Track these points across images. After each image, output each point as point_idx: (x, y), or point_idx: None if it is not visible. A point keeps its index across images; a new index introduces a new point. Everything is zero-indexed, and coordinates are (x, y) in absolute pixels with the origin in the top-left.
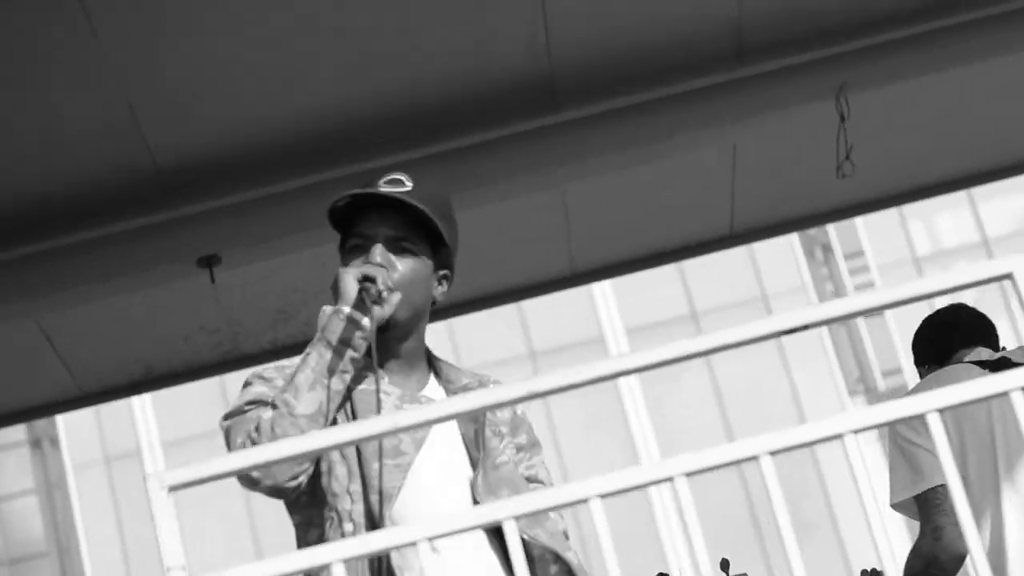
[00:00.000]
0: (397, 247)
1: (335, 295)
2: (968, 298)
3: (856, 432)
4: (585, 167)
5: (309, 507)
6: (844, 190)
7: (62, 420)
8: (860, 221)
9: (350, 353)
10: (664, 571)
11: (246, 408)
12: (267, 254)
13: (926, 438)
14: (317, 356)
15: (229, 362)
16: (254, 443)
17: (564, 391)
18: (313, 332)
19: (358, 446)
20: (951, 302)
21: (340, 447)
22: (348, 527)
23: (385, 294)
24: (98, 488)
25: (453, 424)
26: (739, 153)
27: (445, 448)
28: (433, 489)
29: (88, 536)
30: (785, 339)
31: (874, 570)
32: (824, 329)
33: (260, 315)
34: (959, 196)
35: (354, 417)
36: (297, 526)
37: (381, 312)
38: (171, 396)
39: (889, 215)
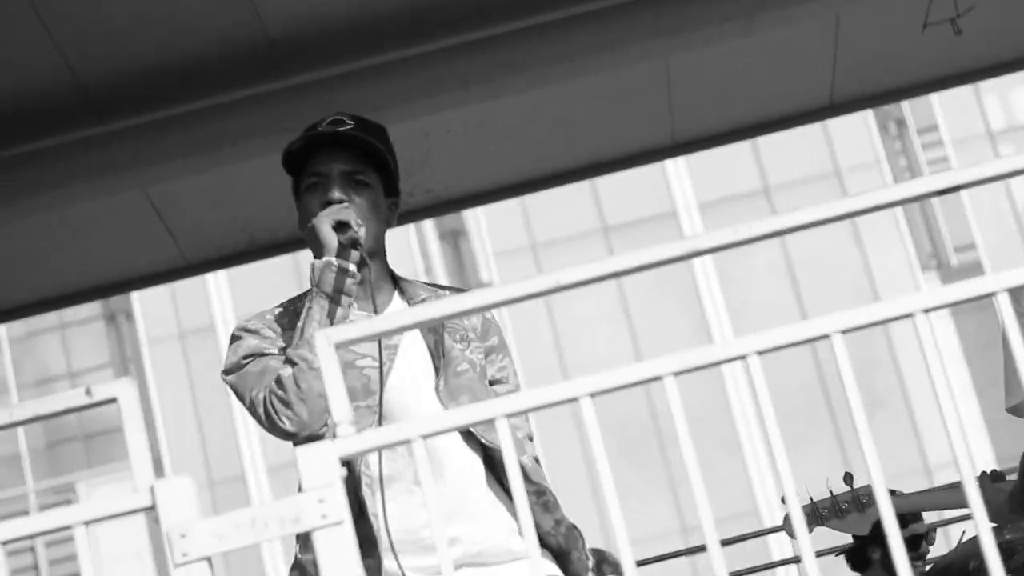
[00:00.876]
0: (352, 181)
1: (313, 245)
2: None
3: (927, 311)
4: (687, 39)
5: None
6: (942, 60)
7: (137, 295)
8: (935, 96)
9: (346, 299)
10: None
11: (244, 362)
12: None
13: None
14: (319, 309)
15: None
16: (280, 399)
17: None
18: (412, 203)
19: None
20: None
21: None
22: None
23: (361, 234)
24: (172, 363)
25: (417, 335)
26: (842, 25)
27: (412, 359)
28: (407, 393)
29: (163, 410)
30: (859, 218)
31: (994, 471)
32: (898, 209)
33: None
34: None
35: None
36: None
37: (359, 253)
38: (245, 272)
39: (964, 90)
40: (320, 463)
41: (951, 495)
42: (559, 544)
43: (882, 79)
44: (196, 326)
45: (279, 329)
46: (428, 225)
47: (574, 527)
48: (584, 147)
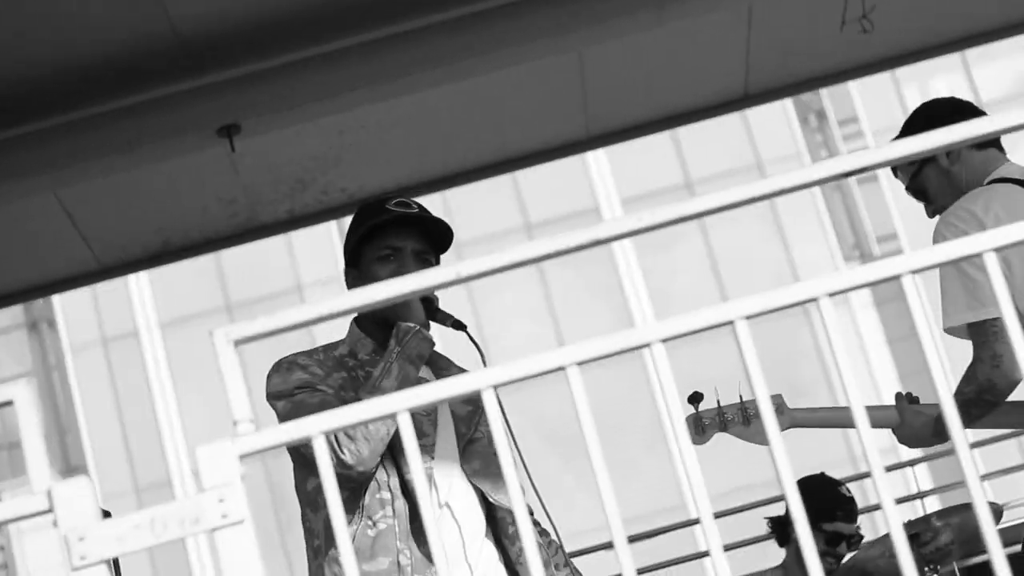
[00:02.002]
0: (420, 259)
1: (399, 310)
2: None
3: (831, 295)
4: (599, 31)
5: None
6: (855, 49)
7: (59, 302)
8: (855, 87)
9: (421, 367)
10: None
11: (296, 392)
12: (286, 122)
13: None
14: (399, 368)
15: (246, 232)
16: (346, 433)
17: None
18: (327, 202)
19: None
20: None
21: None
22: (386, 495)
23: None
24: (96, 369)
25: (446, 405)
26: (755, 14)
27: (447, 427)
28: (441, 456)
29: (88, 418)
30: (780, 206)
31: (909, 394)
32: (819, 196)
33: (278, 184)
34: (953, 60)
35: None
36: (327, 519)
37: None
38: (167, 276)
39: (883, 80)
40: (220, 462)
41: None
42: None
43: (796, 68)
44: (119, 332)
45: (326, 370)
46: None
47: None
48: (498, 141)
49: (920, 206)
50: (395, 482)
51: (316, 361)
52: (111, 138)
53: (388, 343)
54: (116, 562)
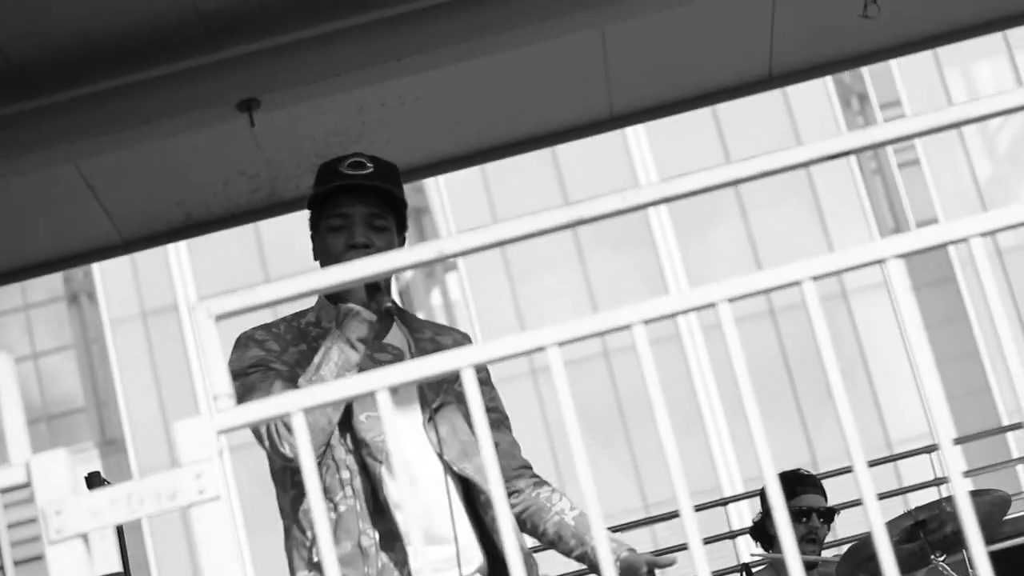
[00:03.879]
0: (372, 224)
1: (341, 292)
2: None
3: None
4: (624, 7)
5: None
6: (880, 32)
7: (99, 275)
8: (897, 70)
9: (363, 347)
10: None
11: (249, 371)
12: (306, 97)
13: None
14: (339, 352)
15: (267, 208)
16: (285, 425)
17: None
18: None
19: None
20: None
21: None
22: (345, 474)
23: (388, 300)
24: (135, 343)
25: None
26: None
27: (411, 394)
28: (404, 427)
29: (125, 390)
30: (820, 190)
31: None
32: (859, 179)
33: (299, 159)
34: (996, 43)
35: None
36: (293, 500)
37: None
38: (207, 250)
39: (926, 64)
40: (198, 438)
41: None
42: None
43: (821, 49)
44: (159, 305)
45: (283, 345)
46: None
47: (530, 555)
48: (520, 119)
49: (959, 187)
50: (352, 460)
51: (275, 335)
52: (131, 111)
53: None
54: (123, 542)
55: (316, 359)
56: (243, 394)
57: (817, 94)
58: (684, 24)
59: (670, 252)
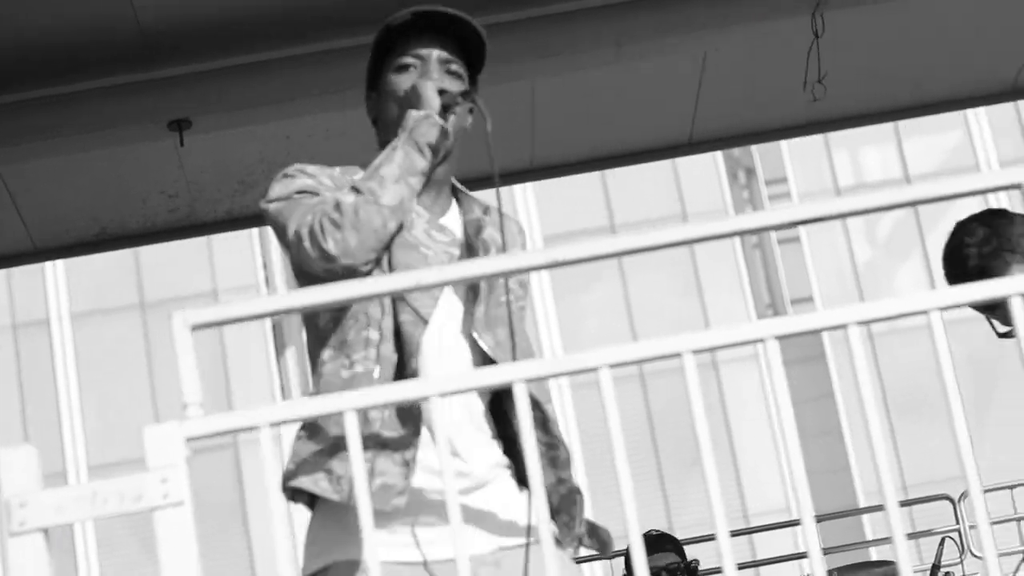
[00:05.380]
0: (446, 69)
1: (407, 104)
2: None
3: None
4: (555, 63)
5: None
6: (807, 107)
7: None
8: (785, 147)
9: (431, 159)
10: None
11: (296, 196)
12: (238, 122)
13: None
14: (404, 155)
15: (183, 228)
16: (332, 221)
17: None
18: None
19: (391, 259)
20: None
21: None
22: (374, 335)
23: (459, 108)
24: (3, 355)
25: (457, 249)
26: (709, 62)
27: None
28: (454, 305)
29: None
30: (700, 261)
31: None
32: (739, 251)
33: (222, 183)
34: (886, 130)
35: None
36: (322, 331)
37: (457, 122)
38: (84, 268)
39: (815, 145)
40: (166, 443)
41: None
42: (553, 504)
43: (741, 121)
44: (31, 319)
45: (335, 184)
46: (272, 235)
47: (578, 491)
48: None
49: (837, 268)
50: (388, 323)
51: (328, 175)
52: (63, 121)
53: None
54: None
55: (377, 160)
56: (285, 209)
57: (705, 165)
58: (611, 84)
59: (546, 310)
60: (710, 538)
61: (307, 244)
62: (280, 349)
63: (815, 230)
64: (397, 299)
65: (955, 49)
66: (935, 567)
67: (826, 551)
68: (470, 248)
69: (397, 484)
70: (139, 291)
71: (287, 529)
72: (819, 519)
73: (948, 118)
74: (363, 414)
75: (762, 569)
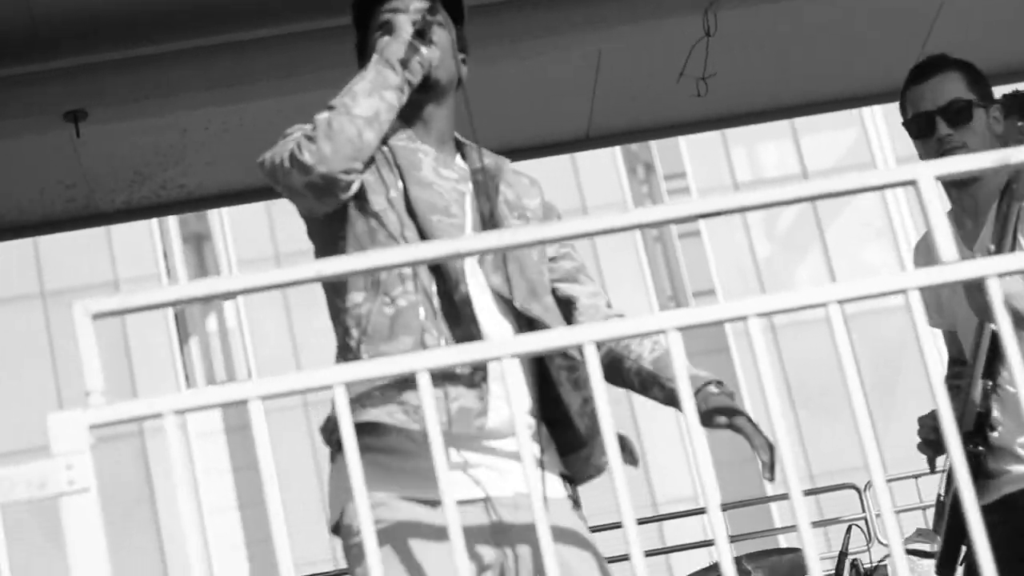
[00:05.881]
0: (428, 21)
1: (377, 43)
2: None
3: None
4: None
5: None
6: (695, 105)
7: None
8: (684, 143)
9: (407, 75)
10: None
11: (281, 139)
12: (133, 115)
13: None
14: (375, 72)
15: (81, 219)
16: (307, 136)
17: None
18: (164, 196)
19: (408, 197)
20: None
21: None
22: (407, 268)
23: (435, 39)
24: None
25: (469, 192)
26: (603, 60)
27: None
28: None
29: None
30: (601, 253)
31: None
32: (640, 246)
33: (118, 174)
34: (783, 128)
35: (398, 167)
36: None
37: (431, 54)
38: None
39: (713, 140)
40: (71, 430)
41: None
42: (585, 428)
43: (638, 117)
44: None
45: None
46: (173, 226)
47: (627, 439)
48: None
49: (737, 261)
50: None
51: None
52: None
53: (413, 121)
54: None
55: (351, 82)
56: (274, 155)
57: (604, 160)
58: (509, 80)
59: None
60: (617, 526)
61: (287, 164)
62: (184, 338)
63: (715, 225)
64: (427, 232)
65: (849, 47)
66: (842, 554)
67: (733, 538)
68: (481, 198)
69: (474, 407)
70: (39, 281)
71: (196, 518)
72: (726, 507)
73: (844, 116)
74: (422, 344)
75: (671, 556)
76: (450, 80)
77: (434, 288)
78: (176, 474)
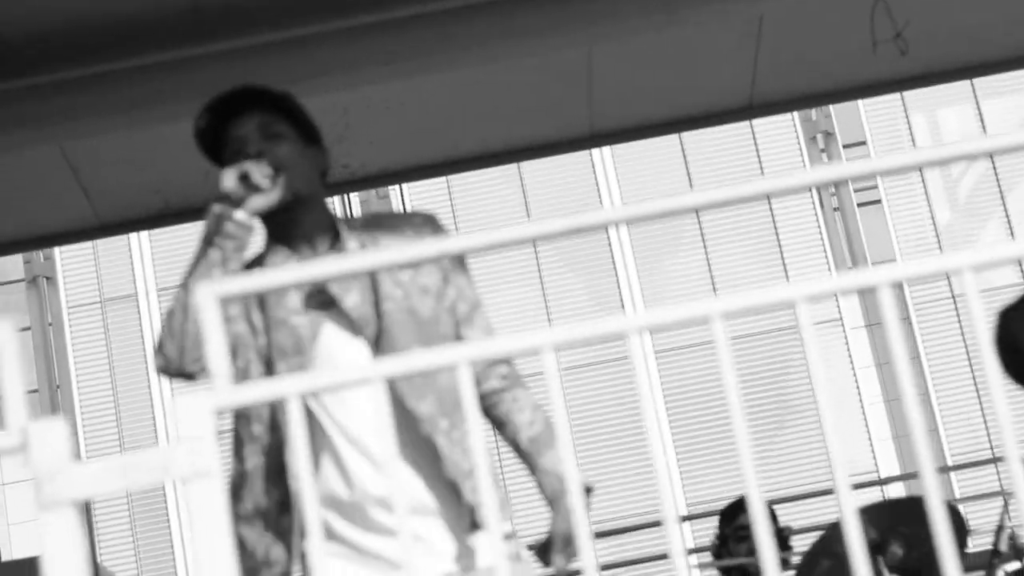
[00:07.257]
0: (267, 134)
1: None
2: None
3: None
4: (611, 29)
5: None
6: (864, 67)
7: (60, 260)
8: (864, 111)
9: (228, 244)
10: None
11: None
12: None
13: None
14: (200, 252)
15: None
16: (160, 343)
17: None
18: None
19: (269, 339)
20: None
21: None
22: (257, 428)
23: (265, 182)
24: (92, 328)
25: (330, 312)
26: (765, 25)
27: (350, 308)
28: (338, 348)
29: (79, 375)
30: (780, 223)
31: None
32: (819, 218)
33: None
34: (964, 91)
35: (261, 309)
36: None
37: (267, 198)
38: (170, 242)
39: (893, 107)
40: (196, 414)
41: None
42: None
43: (802, 82)
44: (117, 293)
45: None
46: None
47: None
48: (503, 132)
49: (918, 232)
50: (266, 412)
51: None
52: (120, 96)
53: (282, 233)
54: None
55: (188, 264)
56: None
57: (783, 128)
58: (669, 49)
59: (628, 275)
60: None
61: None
62: None
63: (895, 193)
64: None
65: None
66: (1000, 528)
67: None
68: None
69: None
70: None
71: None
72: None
73: None
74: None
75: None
76: (308, 185)
77: (279, 447)
78: (297, 456)
